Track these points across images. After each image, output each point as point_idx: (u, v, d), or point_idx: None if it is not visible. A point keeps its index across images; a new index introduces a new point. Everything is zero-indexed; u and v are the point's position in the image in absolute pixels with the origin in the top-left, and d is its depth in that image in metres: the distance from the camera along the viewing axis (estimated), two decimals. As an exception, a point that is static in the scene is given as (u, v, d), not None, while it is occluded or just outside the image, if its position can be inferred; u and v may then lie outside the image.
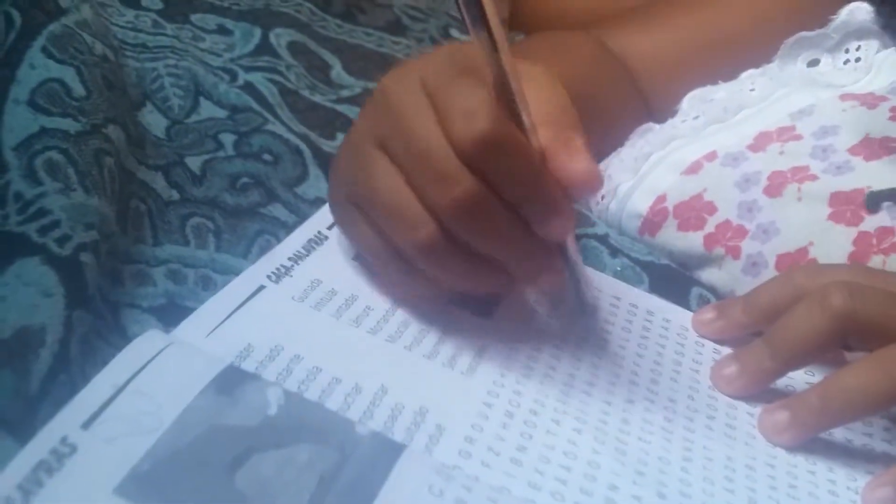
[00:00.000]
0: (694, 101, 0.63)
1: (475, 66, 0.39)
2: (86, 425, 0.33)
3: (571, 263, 0.45)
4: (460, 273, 0.42)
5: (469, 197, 0.38)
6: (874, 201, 0.53)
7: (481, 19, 0.35)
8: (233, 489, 0.33)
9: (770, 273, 0.53)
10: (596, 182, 0.40)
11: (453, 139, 0.38)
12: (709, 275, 0.57)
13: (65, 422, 0.33)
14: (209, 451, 0.34)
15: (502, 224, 0.40)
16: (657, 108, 0.67)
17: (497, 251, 0.41)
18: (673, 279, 0.56)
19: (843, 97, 0.59)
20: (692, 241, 0.57)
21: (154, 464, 0.33)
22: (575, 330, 0.47)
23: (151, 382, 0.36)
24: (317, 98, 0.60)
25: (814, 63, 0.62)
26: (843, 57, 0.62)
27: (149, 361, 0.36)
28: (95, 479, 0.32)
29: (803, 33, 0.62)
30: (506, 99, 0.38)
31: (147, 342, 0.37)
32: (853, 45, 0.62)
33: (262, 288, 0.43)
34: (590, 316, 0.49)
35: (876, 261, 0.51)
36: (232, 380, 0.37)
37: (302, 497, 0.33)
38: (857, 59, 0.61)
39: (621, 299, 0.51)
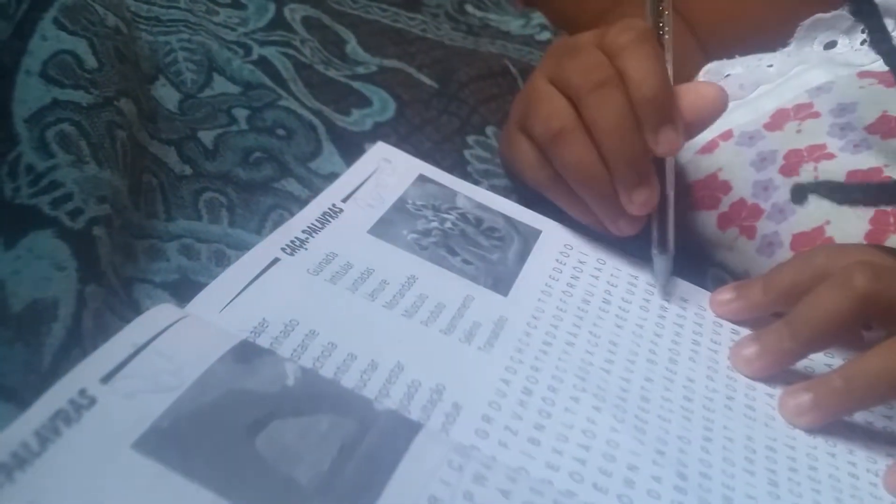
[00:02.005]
0: (709, 76, 0.62)
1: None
2: (105, 380, 0.33)
3: (666, 201, 0.49)
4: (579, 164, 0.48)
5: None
6: (799, 195, 0.53)
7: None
8: (253, 452, 0.33)
9: (785, 253, 0.53)
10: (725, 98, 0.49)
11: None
12: (721, 256, 0.56)
13: (83, 374, 0.33)
14: (229, 412, 0.34)
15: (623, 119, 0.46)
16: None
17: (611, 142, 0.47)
18: (689, 259, 0.55)
19: (861, 74, 0.58)
20: (705, 221, 0.57)
21: (173, 421, 0.33)
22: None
23: (170, 346, 0.35)
24: (331, 73, 0.60)
25: (831, 45, 0.61)
26: (860, 37, 0.61)
27: (164, 330, 0.36)
28: (114, 433, 0.32)
29: (819, 14, 0.61)
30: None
31: (161, 313, 0.37)
32: (869, 25, 0.61)
33: (276, 260, 0.43)
34: (667, 257, 0.50)
35: (893, 240, 0.50)
36: (248, 353, 0.36)
37: (322, 464, 0.33)
38: (875, 39, 0.60)
39: (639, 278, 0.51)
